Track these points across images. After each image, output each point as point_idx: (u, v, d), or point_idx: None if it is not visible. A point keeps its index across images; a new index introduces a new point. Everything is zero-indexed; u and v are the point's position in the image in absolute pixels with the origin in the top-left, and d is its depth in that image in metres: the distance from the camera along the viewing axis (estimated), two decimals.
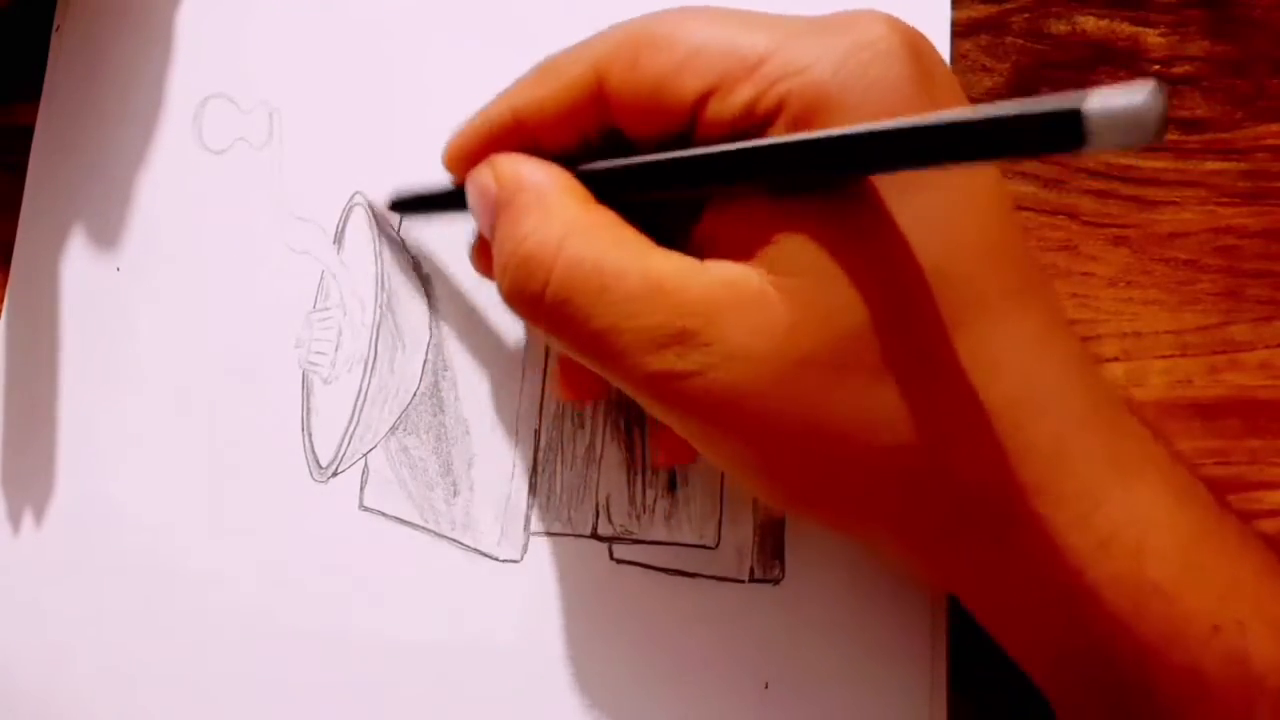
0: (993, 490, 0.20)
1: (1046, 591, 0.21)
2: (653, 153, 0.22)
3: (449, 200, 0.26)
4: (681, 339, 0.20)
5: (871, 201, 0.20)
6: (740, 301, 0.20)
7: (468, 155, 0.24)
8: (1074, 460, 0.20)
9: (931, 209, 0.20)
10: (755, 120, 0.20)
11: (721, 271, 0.20)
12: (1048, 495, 0.20)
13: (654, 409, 0.22)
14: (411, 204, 0.28)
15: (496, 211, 0.23)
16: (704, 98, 0.21)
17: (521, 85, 0.24)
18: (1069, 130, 0.15)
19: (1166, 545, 0.20)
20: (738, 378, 0.20)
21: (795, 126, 0.20)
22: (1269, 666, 0.20)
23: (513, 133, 0.23)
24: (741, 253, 0.21)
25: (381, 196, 0.29)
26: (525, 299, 0.22)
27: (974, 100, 0.29)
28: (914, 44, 0.20)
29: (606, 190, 0.22)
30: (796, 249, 0.20)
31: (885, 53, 0.20)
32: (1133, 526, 0.20)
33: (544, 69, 0.23)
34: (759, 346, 0.20)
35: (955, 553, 0.21)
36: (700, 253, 0.21)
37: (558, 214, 0.22)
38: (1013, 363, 0.20)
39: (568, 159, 0.23)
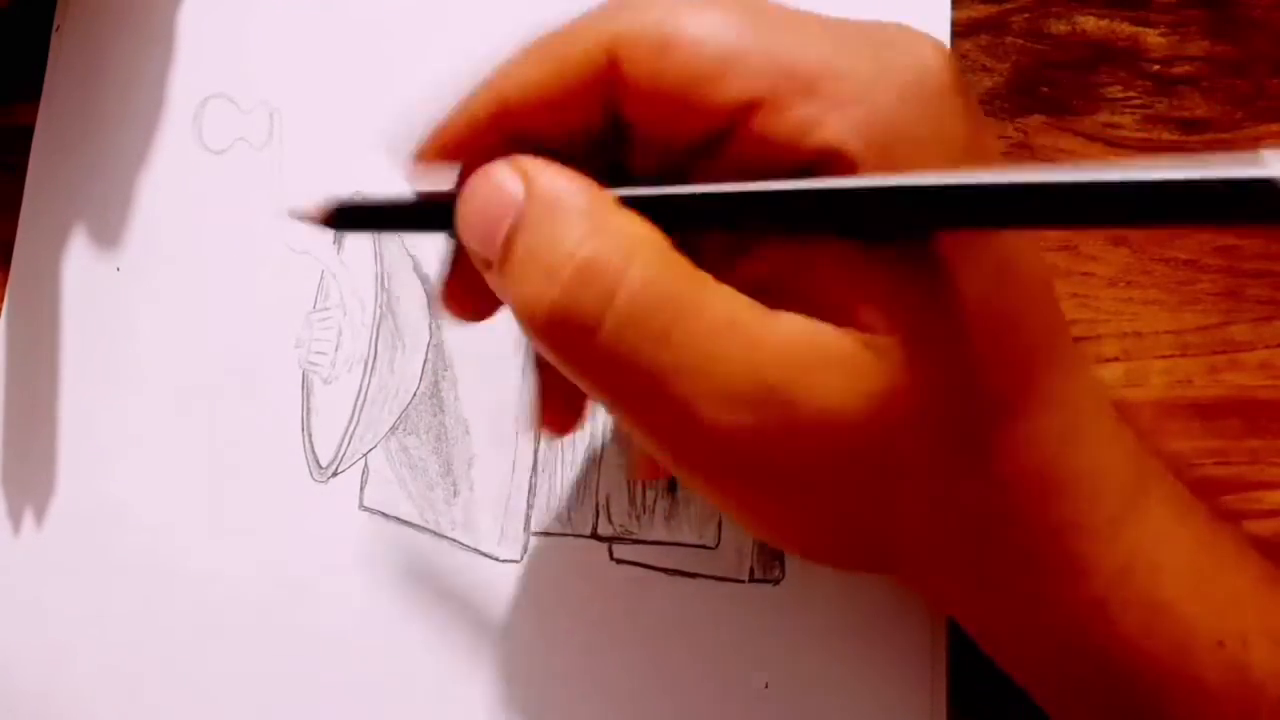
0: (1035, 532, 0.20)
1: (1060, 617, 0.21)
2: (672, 158, 0.19)
3: (405, 215, 0.21)
4: (763, 393, 0.17)
5: (943, 253, 0.18)
6: (826, 360, 0.17)
7: (448, 152, 0.20)
8: (1101, 492, 0.20)
9: (1001, 260, 0.19)
10: (811, 144, 0.18)
11: (802, 324, 0.18)
12: (1080, 529, 0.20)
13: (700, 469, 0.19)
14: (356, 218, 0.21)
15: (520, 221, 0.18)
16: (749, 108, 0.18)
17: (512, 67, 0.20)
18: (1262, 198, 0.13)
19: (1174, 562, 0.20)
20: (814, 441, 0.18)
21: (878, 163, 0.17)
22: (1268, 675, 0.20)
23: (494, 127, 0.20)
24: (808, 302, 0.18)
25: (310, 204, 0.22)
26: (573, 325, 0.17)
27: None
28: (961, 81, 0.19)
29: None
30: (878, 308, 0.18)
31: (938, 91, 0.18)
32: (1148, 548, 0.20)
33: (540, 47, 0.19)
34: (843, 410, 0.17)
35: (977, 586, 0.21)
36: (753, 294, 0.18)
37: (618, 227, 0.18)
38: (1065, 400, 0.20)
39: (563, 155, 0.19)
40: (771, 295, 0.18)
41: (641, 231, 0.18)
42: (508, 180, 0.18)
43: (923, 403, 0.18)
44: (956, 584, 0.22)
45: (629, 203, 0.18)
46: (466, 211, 0.19)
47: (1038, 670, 0.22)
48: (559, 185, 0.18)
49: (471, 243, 0.19)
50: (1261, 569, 0.22)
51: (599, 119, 0.19)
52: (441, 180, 0.20)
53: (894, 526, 0.20)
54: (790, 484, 0.18)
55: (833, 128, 0.17)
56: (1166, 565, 0.20)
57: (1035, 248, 0.20)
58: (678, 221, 0.18)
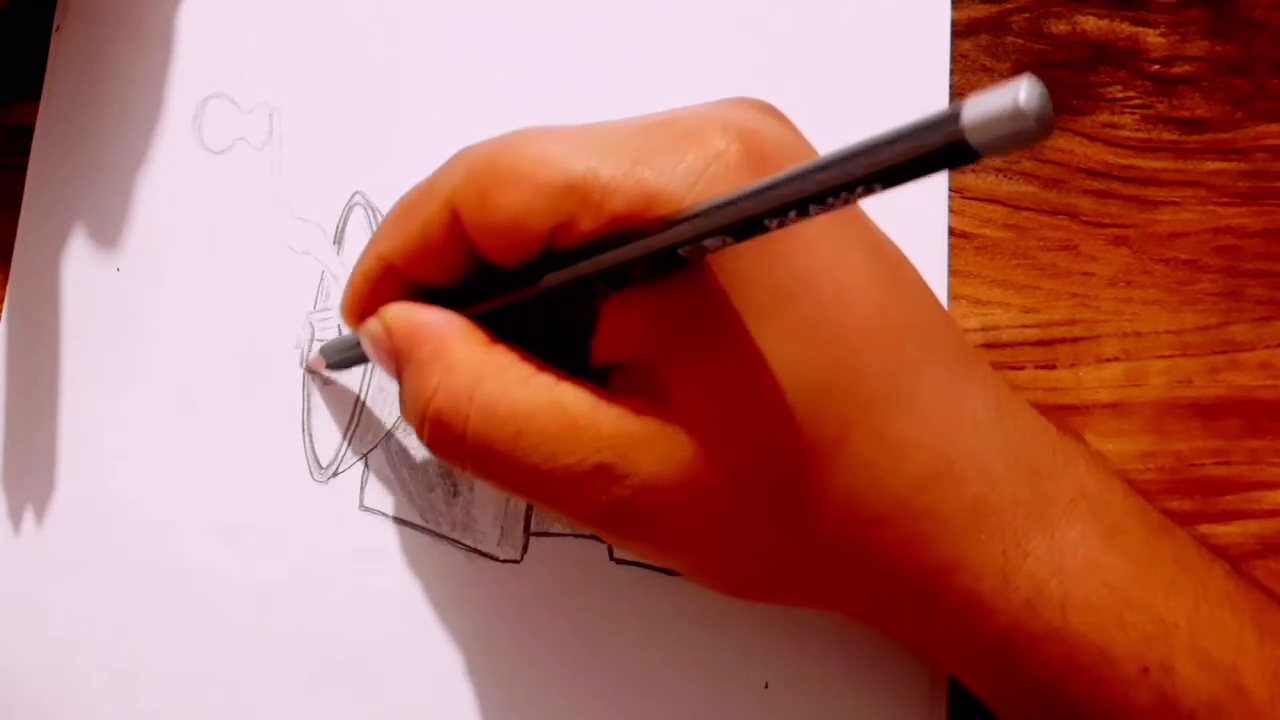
0: (912, 572, 0.21)
1: (982, 650, 0.21)
2: (516, 276, 0.22)
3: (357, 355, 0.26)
4: (601, 473, 0.21)
5: (745, 325, 0.20)
6: (646, 435, 0.21)
7: (361, 309, 0.24)
8: (993, 524, 0.20)
9: (803, 318, 0.20)
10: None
11: (626, 405, 0.21)
12: (968, 568, 0.21)
13: (601, 535, 0.23)
14: (341, 355, 0.27)
15: (399, 363, 0.23)
16: (559, 228, 0.21)
17: (384, 229, 0.24)
18: (956, 151, 0.14)
19: (1091, 593, 0.20)
20: (656, 506, 0.21)
21: None
22: (1198, 702, 0.20)
23: (390, 277, 0.24)
24: (639, 381, 0.21)
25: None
26: (446, 451, 0.22)
27: None
28: (755, 151, 0.20)
29: (490, 317, 0.23)
30: (684, 382, 0.21)
31: (722, 172, 0.20)
32: (1057, 578, 0.20)
33: (401, 210, 0.23)
34: (667, 478, 0.20)
35: (897, 624, 0.22)
36: (602, 378, 0.22)
37: (461, 362, 0.22)
38: (920, 441, 0.21)
39: (452, 289, 0.23)
40: (620, 376, 0.22)
41: (483, 361, 0.22)
42: (374, 328, 0.23)
43: (735, 461, 0.20)
44: (873, 621, 0.23)
45: (479, 316, 0.23)
46: (370, 357, 0.24)
47: (982, 691, 0.23)
48: (415, 330, 0.23)
49: (383, 369, 0.24)
50: (1206, 585, 0.21)
51: (463, 258, 0.23)
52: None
53: (775, 569, 0.22)
54: (651, 539, 0.22)
55: (637, 218, 0.20)
56: (1079, 597, 0.20)
57: (874, 288, 0.21)
58: (506, 323, 0.22)
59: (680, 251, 0.19)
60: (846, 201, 0.16)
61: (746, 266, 0.20)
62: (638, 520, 0.21)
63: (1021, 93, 0.13)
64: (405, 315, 0.23)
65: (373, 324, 0.23)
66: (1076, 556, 0.21)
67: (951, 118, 0.14)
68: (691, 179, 0.20)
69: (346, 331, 0.27)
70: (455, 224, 0.22)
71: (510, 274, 0.22)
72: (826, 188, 0.16)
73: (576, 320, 0.22)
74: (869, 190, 0.16)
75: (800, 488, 0.21)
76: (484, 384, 0.21)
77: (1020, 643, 0.21)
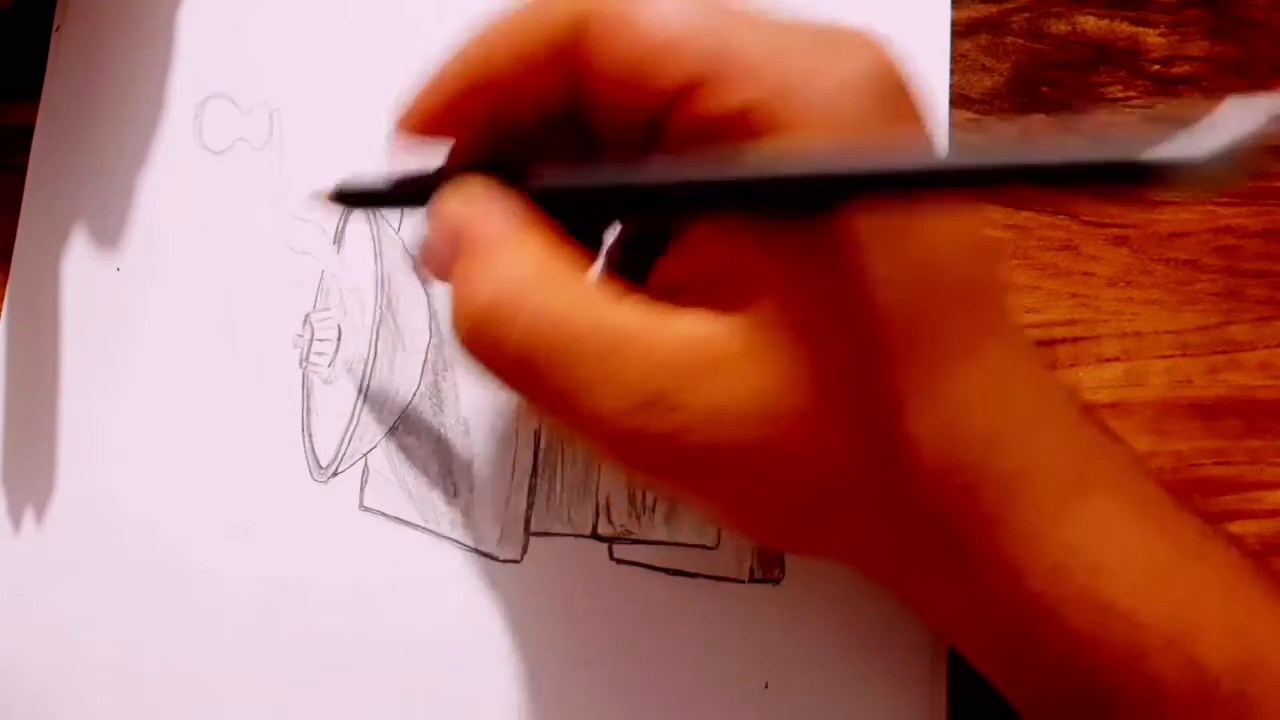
0: (955, 527, 0.21)
1: (1006, 613, 0.21)
2: (617, 150, 0.20)
3: (398, 196, 0.24)
4: (655, 401, 0.19)
5: (862, 255, 0.19)
6: (714, 362, 0.19)
7: (426, 120, 0.22)
8: (1036, 489, 0.20)
9: (915, 256, 0.20)
10: (740, 128, 0.19)
11: (691, 327, 0.19)
12: (1007, 527, 0.20)
13: (622, 467, 0.21)
14: (357, 197, 0.26)
15: (459, 241, 0.21)
16: (687, 88, 0.19)
17: (484, 36, 0.21)
18: (1134, 176, 0.14)
19: (1123, 560, 0.20)
20: (711, 437, 0.19)
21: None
22: (1224, 670, 0.20)
23: (471, 93, 0.21)
24: (710, 298, 0.20)
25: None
26: (483, 349, 0.20)
27: (972, 103, 0.29)
28: (898, 79, 0.20)
29: (568, 210, 0.21)
30: (781, 307, 0.19)
31: (881, 85, 0.19)
32: (1089, 545, 0.20)
33: (511, 19, 0.21)
34: (733, 408, 0.19)
35: (919, 579, 0.22)
36: (668, 292, 0.20)
37: (524, 256, 0.20)
38: (982, 401, 0.20)
39: (528, 141, 0.21)
40: (688, 293, 0.20)
41: (546, 260, 0.20)
42: (451, 206, 0.21)
43: (815, 395, 0.19)
44: (897, 576, 0.22)
45: (548, 197, 0.21)
46: (431, 229, 0.22)
47: (994, 665, 0.23)
48: (486, 213, 0.21)
49: (437, 256, 0.22)
50: (1228, 561, 0.21)
51: (564, 91, 0.21)
52: (432, 155, 0.23)
53: (821, 515, 0.21)
54: (700, 472, 0.20)
55: (761, 113, 0.18)
56: (1111, 563, 0.20)
57: (971, 250, 0.20)
58: (587, 211, 0.20)
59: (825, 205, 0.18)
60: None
61: None
62: (682, 453, 0.20)
63: (1227, 141, 0.13)
64: (479, 191, 0.21)
65: (451, 200, 0.22)
66: (1109, 526, 0.21)
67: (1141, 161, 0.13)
68: (843, 80, 0.18)
69: (375, 177, 0.24)
70: (571, 49, 0.20)
71: (596, 143, 0.20)
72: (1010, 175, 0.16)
73: (649, 227, 0.21)
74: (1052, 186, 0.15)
75: (866, 429, 0.20)
76: (543, 285, 0.20)
77: (1048, 607, 0.20)
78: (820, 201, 0.18)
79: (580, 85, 0.20)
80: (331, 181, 0.26)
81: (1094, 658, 0.20)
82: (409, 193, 0.23)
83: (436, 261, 0.22)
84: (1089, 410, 0.23)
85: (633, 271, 0.21)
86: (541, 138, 0.22)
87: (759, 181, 0.18)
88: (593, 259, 0.20)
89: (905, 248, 0.19)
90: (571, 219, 0.21)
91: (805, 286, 0.19)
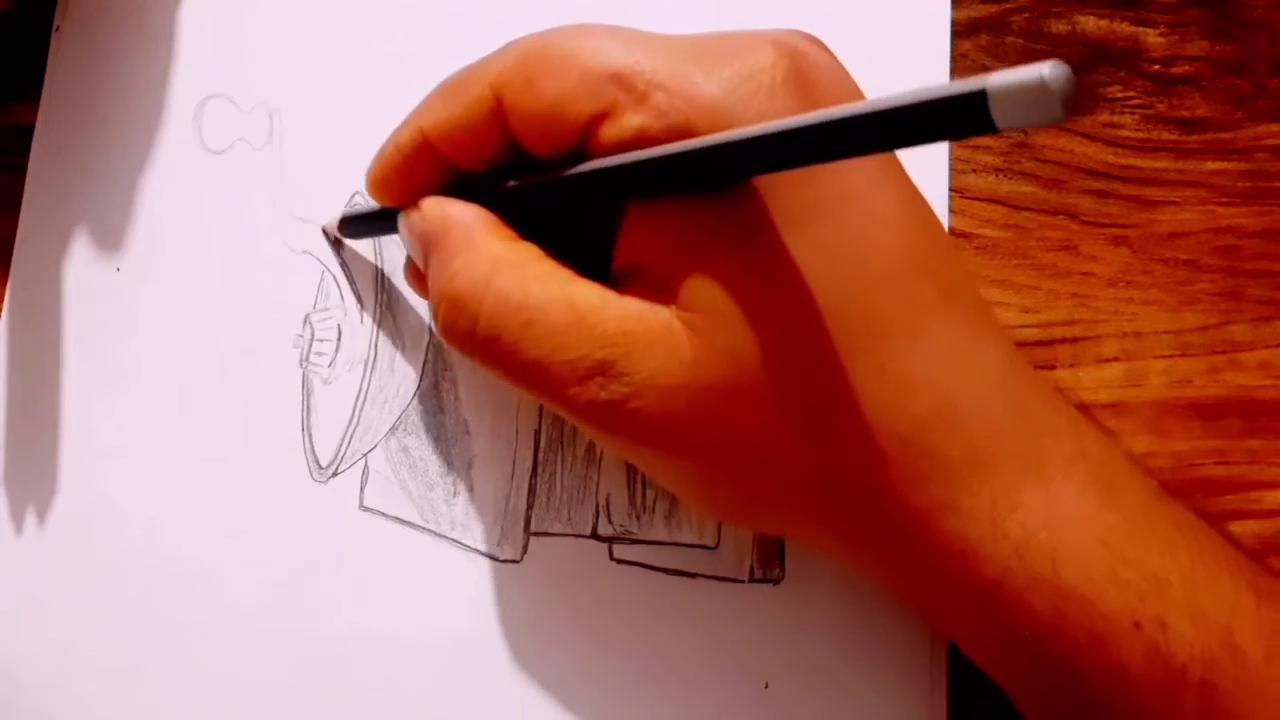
0: (904, 510, 0.21)
1: (969, 599, 0.21)
2: (550, 169, 0.22)
3: (389, 222, 0.26)
4: (602, 370, 0.21)
5: (771, 236, 0.21)
6: (651, 336, 0.21)
7: (387, 181, 0.25)
8: (989, 471, 0.21)
9: (829, 238, 0.21)
10: (645, 144, 0.21)
11: (635, 306, 0.21)
12: (957, 511, 0.21)
13: (590, 434, 0.23)
14: (358, 225, 0.28)
15: (428, 249, 0.24)
16: (596, 120, 0.21)
17: (428, 104, 0.24)
18: (975, 112, 0.15)
19: (1083, 547, 0.20)
20: (653, 406, 0.21)
21: None
22: (1191, 658, 0.20)
23: (424, 154, 0.24)
24: (654, 284, 0.22)
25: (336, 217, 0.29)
26: (458, 334, 0.23)
27: None
28: (801, 73, 0.21)
29: (520, 212, 0.23)
30: (700, 286, 0.21)
31: (768, 85, 0.20)
32: (1048, 530, 0.20)
33: (448, 88, 0.24)
34: (667, 379, 0.21)
35: (884, 564, 0.22)
36: (619, 281, 0.22)
37: (484, 251, 0.22)
38: (926, 381, 0.21)
39: (484, 178, 0.24)
40: (635, 281, 0.22)
41: (504, 252, 0.22)
42: (414, 218, 0.24)
43: (747, 372, 0.21)
44: (868, 560, 0.23)
45: (497, 197, 0.23)
46: (404, 243, 0.25)
47: (973, 647, 0.23)
48: (448, 219, 0.23)
49: (419, 265, 0.25)
50: (1201, 548, 0.21)
51: (500, 145, 0.23)
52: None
53: (775, 495, 0.22)
54: (647, 442, 0.22)
55: (657, 128, 0.21)
56: (1071, 549, 0.20)
57: (898, 230, 0.21)
58: (528, 207, 0.23)
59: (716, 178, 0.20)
60: (861, 152, 0.17)
61: (779, 179, 0.21)
62: (635, 422, 0.21)
63: (1046, 69, 0.14)
64: (440, 205, 0.24)
65: (413, 213, 0.24)
66: (1070, 511, 0.21)
67: (978, 91, 0.15)
68: (734, 84, 0.20)
69: (367, 206, 0.27)
70: (498, 109, 0.22)
71: (544, 167, 0.23)
72: (845, 137, 0.17)
73: (599, 228, 0.23)
74: (887, 145, 0.17)
75: (800, 407, 0.21)
76: (502, 273, 0.22)
77: (1009, 593, 0.20)
78: (712, 181, 0.20)
79: (512, 136, 0.23)
80: (331, 181, 0.27)
81: (1056, 642, 0.20)
82: (389, 216, 0.26)
83: (414, 272, 0.24)
84: (1056, 390, 0.23)
85: (580, 265, 0.23)
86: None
87: (646, 163, 0.20)
88: (547, 253, 0.23)
89: (816, 229, 0.20)
90: (522, 222, 0.23)
91: (719, 269, 0.21)
